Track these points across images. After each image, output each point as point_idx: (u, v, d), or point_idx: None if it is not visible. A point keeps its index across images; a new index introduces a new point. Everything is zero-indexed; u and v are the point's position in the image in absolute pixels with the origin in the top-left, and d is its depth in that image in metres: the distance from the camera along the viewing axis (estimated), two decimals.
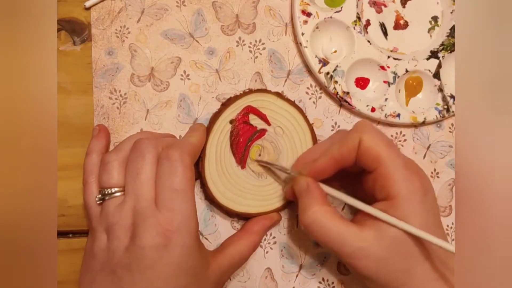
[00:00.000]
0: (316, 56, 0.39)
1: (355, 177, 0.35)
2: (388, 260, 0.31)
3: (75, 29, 0.38)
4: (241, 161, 0.37)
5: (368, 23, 0.41)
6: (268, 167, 0.38)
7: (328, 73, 0.39)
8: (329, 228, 0.31)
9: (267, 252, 0.39)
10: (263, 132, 0.38)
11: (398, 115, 0.40)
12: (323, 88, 0.40)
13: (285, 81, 0.40)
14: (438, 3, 0.42)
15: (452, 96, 0.40)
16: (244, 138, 0.37)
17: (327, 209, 0.32)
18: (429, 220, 0.31)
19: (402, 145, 0.41)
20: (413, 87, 0.41)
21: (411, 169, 0.32)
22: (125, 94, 0.38)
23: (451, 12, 0.41)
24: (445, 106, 0.40)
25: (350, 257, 0.31)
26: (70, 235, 0.38)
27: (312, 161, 0.34)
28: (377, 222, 0.31)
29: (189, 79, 0.39)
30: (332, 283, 0.39)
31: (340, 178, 0.35)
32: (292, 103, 0.38)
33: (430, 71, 0.40)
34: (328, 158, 0.33)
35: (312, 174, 0.34)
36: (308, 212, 0.32)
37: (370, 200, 0.33)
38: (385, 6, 0.41)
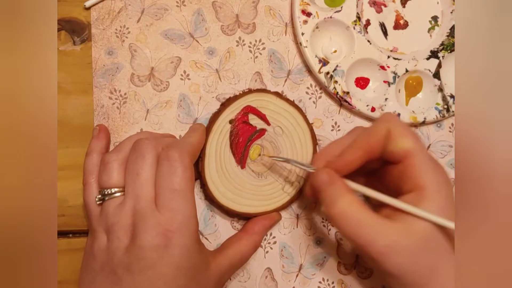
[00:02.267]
0: (316, 56, 0.39)
1: (362, 176, 0.35)
2: (415, 257, 0.30)
3: (75, 29, 0.38)
4: (241, 161, 0.37)
5: (368, 23, 0.41)
6: (268, 166, 0.38)
7: (328, 73, 0.39)
8: (360, 220, 0.30)
9: (267, 252, 0.39)
10: (262, 132, 0.38)
11: (398, 115, 0.40)
12: (323, 88, 0.40)
13: (285, 81, 0.40)
14: (438, 3, 0.42)
15: (452, 96, 0.40)
16: (243, 138, 0.37)
17: (356, 199, 0.31)
18: (451, 214, 0.30)
19: None
20: (413, 87, 0.41)
21: (436, 163, 0.32)
22: (125, 94, 0.38)
23: (451, 12, 0.41)
24: (445, 106, 0.40)
25: (379, 252, 0.30)
26: (70, 235, 0.38)
27: (337, 156, 0.33)
28: (404, 216, 0.30)
29: (189, 79, 0.39)
30: (332, 283, 0.39)
31: (353, 174, 0.34)
32: (291, 103, 0.38)
33: (430, 71, 0.40)
34: (356, 150, 0.32)
35: (339, 168, 0.33)
36: (336, 202, 0.30)
37: (391, 195, 0.32)
38: (385, 6, 0.41)
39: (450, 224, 0.29)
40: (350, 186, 0.32)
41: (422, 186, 0.31)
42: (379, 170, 0.34)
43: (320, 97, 0.40)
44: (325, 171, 0.33)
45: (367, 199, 0.35)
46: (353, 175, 0.34)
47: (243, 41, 0.40)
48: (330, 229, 0.40)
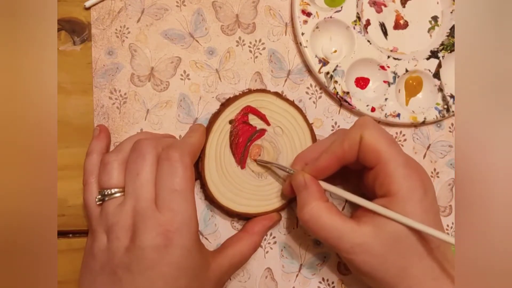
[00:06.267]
0: (316, 56, 0.39)
1: (356, 175, 0.35)
2: (385, 257, 0.31)
3: (75, 29, 0.38)
4: (241, 161, 0.37)
5: (368, 23, 0.41)
6: (269, 167, 0.38)
7: (328, 73, 0.39)
8: (327, 224, 0.31)
9: (267, 252, 0.39)
10: (262, 132, 0.38)
11: (398, 115, 0.40)
12: (323, 88, 0.40)
13: (285, 81, 0.40)
14: (438, 3, 0.42)
15: (452, 96, 0.40)
16: (243, 138, 0.37)
17: (324, 204, 0.32)
18: (428, 218, 0.31)
19: (402, 145, 0.41)
20: (413, 87, 0.41)
21: (412, 167, 0.32)
22: (125, 94, 0.38)
23: (451, 12, 0.41)
24: (445, 106, 0.40)
25: (348, 252, 0.31)
26: (70, 235, 0.38)
27: (313, 160, 0.34)
28: (375, 218, 0.31)
29: (189, 79, 0.39)
30: (332, 283, 0.39)
31: (340, 175, 0.35)
32: (291, 103, 0.38)
33: (430, 71, 0.40)
34: (330, 155, 0.33)
35: (314, 173, 0.34)
36: (306, 208, 0.32)
37: (370, 197, 0.33)
38: (385, 6, 0.41)
39: (414, 224, 0.30)
40: (324, 189, 0.33)
41: (392, 192, 0.31)
42: (361, 173, 0.35)
43: (320, 97, 0.40)
44: (301, 175, 0.34)
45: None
46: (344, 174, 0.35)
47: (243, 41, 0.40)
48: None
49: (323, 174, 0.34)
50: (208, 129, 0.37)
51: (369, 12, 0.41)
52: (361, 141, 0.32)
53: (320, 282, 0.39)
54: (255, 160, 0.37)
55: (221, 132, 0.37)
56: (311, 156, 0.35)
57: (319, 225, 0.31)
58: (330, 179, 0.34)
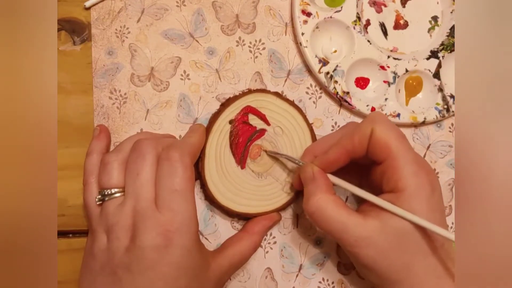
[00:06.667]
0: (316, 56, 0.39)
1: (362, 169, 0.35)
2: (389, 252, 0.31)
3: (75, 29, 0.38)
4: (241, 161, 0.37)
5: (368, 23, 0.41)
6: (269, 166, 0.38)
7: (328, 73, 0.39)
8: (332, 217, 0.31)
9: (267, 252, 0.39)
10: (262, 132, 0.38)
11: (398, 115, 0.40)
12: (323, 88, 0.40)
13: (285, 81, 0.40)
14: (438, 3, 0.42)
15: (452, 96, 0.40)
16: (243, 138, 0.37)
17: (331, 197, 0.32)
18: (434, 217, 0.31)
19: None
20: (413, 87, 0.41)
21: (420, 165, 0.32)
22: (125, 94, 0.38)
23: (451, 12, 0.41)
24: (445, 106, 0.40)
25: (352, 245, 0.31)
26: (70, 235, 0.38)
27: (323, 152, 0.34)
28: (381, 213, 0.31)
29: (189, 79, 0.39)
30: (332, 283, 0.39)
31: (347, 169, 0.35)
32: (291, 103, 0.38)
33: (430, 71, 0.40)
34: (339, 149, 0.33)
35: (323, 166, 0.34)
36: (312, 200, 0.32)
37: (376, 192, 0.33)
38: (385, 6, 0.41)
39: (419, 221, 0.30)
40: (331, 182, 0.33)
41: (399, 188, 0.31)
42: (369, 167, 0.35)
43: (320, 97, 0.40)
44: (310, 167, 0.34)
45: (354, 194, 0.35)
46: (349, 169, 0.34)
47: (243, 41, 0.40)
48: None
49: (332, 167, 0.34)
50: (208, 129, 0.37)
51: (369, 12, 0.41)
52: (371, 135, 0.32)
53: (320, 282, 0.39)
54: (265, 151, 0.37)
55: (221, 132, 0.37)
56: (320, 148, 0.35)
57: (324, 217, 0.31)
58: (334, 174, 0.34)
